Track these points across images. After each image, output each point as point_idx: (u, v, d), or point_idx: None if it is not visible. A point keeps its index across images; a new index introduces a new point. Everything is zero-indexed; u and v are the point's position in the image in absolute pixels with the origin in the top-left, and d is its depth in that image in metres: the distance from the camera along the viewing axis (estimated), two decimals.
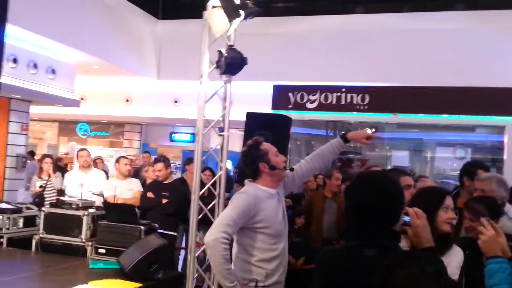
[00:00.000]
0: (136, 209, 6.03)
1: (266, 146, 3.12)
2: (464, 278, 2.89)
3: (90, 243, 4.60)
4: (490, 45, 8.83)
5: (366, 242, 1.94)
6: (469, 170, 4.24)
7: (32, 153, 11.55)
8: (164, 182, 6.08)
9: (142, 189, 6.36)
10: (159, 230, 5.37)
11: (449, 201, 2.68)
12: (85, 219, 4.65)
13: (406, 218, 2.13)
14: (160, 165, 6.03)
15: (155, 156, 9.36)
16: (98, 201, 5.99)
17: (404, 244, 2.24)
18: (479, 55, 8.80)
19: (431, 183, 4.38)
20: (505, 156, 9.08)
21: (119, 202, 5.86)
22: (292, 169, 3.26)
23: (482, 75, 8.67)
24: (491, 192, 3.55)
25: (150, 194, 6.01)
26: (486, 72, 8.67)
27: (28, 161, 10.41)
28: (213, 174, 5.97)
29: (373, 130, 3.52)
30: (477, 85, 8.84)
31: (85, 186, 6.28)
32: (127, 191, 6.24)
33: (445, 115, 9.44)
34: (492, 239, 2.27)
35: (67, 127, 15.47)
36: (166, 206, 5.87)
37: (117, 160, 6.58)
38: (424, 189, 3.31)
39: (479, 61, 8.76)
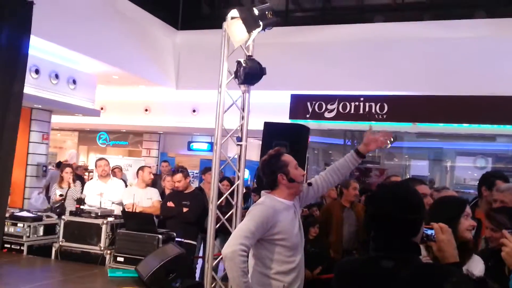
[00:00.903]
0: (155, 218, 6.09)
1: (287, 157, 3.12)
2: None
3: (108, 252, 4.64)
4: (509, 53, 8.72)
5: (385, 253, 1.92)
6: (487, 180, 4.18)
7: (59, 165, 11.72)
8: (185, 191, 6.12)
9: (160, 199, 6.40)
10: (178, 239, 5.40)
11: (468, 209, 2.69)
12: (104, 227, 4.69)
13: (430, 232, 2.11)
14: (179, 176, 6.07)
15: (174, 166, 9.42)
16: (117, 210, 6.04)
17: (424, 254, 2.23)
18: (499, 64, 8.69)
19: (453, 194, 4.35)
20: None
21: (138, 210, 5.92)
22: (310, 184, 3.26)
23: (503, 84, 8.56)
24: (511, 203, 3.51)
25: (170, 204, 6.05)
26: (507, 81, 8.55)
27: (52, 169, 10.55)
28: (231, 184, 5.99)
29: (392, 139, 3.51)
30: (498, 94, 8.72)
31: (105, 195, 6.33)
32: (146, 199, 6.29)
33: (465, 124, 9.32)
34: None
35: (86, 136, 15.67)
36: (187, 215, 5.91)
37: (141, 168, 6.64)
38: (444, 197, 3.30)
39: (500, 70, 8.65)
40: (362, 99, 9.78)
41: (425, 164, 11.17)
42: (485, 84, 8.64)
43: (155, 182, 8.39)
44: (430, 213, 2.72)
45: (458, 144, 10.80)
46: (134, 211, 5.79)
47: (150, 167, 7.19)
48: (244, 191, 8.13)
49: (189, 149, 14.75)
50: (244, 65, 4.39)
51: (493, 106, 8.88)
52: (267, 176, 3.12)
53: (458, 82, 8.78)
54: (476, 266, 2.61)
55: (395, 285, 1.77)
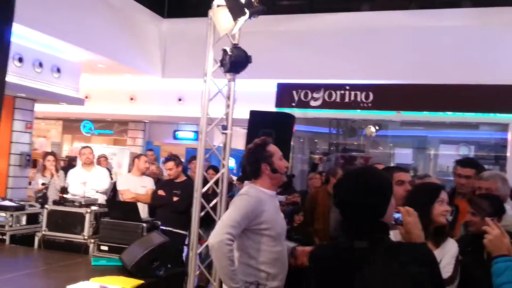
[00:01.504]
0: (146, 207, 6.11)
1: (272, 148, 3.13)
2: (465, 275, 2.92)
3: (92, 240, 4.62)
4: (494, 42, 8.78)
5: (357, 235, 1.98)
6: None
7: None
8: (176, 180, 6.12)
9: (155, 187, 6.41)
10: (168, 228, 5.40)
11: (444, 195, 2.77)
12: (87, 216, 4.67)
13: (397, 215, 2.19)
14: (171, 164, 6.08)
15: (165, 155, 9.40)
16: (101, 199, 6.02)
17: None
18: (483, 53, 8.76)
19: (435, 181, 4.42)
20: (508, 154, 9.04)
21: (130, 196, 5.95)
22: (293, 176, 3.30)
23: (487, 73, 8.63)
24: (497, 190, 3.57)
25: (161, 192, 6.06)
26: (490, 70, 8.63)
27: None
28: (217, 173, 6.01)
29: (377, 128, 3.56)
30: (481, 83, 8.80)
31: (88, 184, 6.31)
32: (141, 187, 6.30)
33: (449, 113, 9.41)
34: (498, 238, 2.29)
35: (71, 125, 15.52)
36: (177, 204, 5.91)
37: (138, 157, 6.69)
38: (420, 184, 3.39)
39: (484, 59, 8.71)
40: (347, 87, 9.81)
41: (409, 152, 11.26)
42: (468, 73, 8.70)
43: None
44: (406, 198, 2.80)
45: (441, 133, 10.90)
46: (124, 197, 5.83)
47: (146, 155, 7.18)
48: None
49: (175, 138, 14.69)
50: (230, 53, 4.38)
51: (476, 94, 8.96)
52: (251, 165, 3.13)
53: (442, 70, 8.83)
54: (450, 249, 2.68)
55: (369, 264, 1.82)
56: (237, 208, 2.93)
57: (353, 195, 2.01)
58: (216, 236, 2.81)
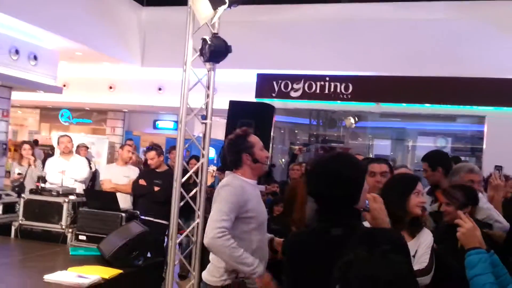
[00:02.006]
0: (130, 197, 6.10)
1: (253, 138, 3.16)
2: (439, 264, 2.98)
3: (70, 230, 4.58)
4: (471, 36, 8.90)
5: (332, 222, 2.01)
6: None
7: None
8: (157, 170, 6.10)
9: None
10: (149, 218, 5.38)
11: (420, 186, 2.83)
12: (65, 205, 4.62)
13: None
14: (152, 154, 6.06)
15: (145, 145, 9.35)
16: (80, 188, 5.97)
17: None
18: (460, 46, 8.87)
19: (406, 172, 4.52)
20: (484, 146, 9.20)
21: (111, 186, 5.92)
22: (273, 165, 3.36)
23: (464, 66, 8.75)
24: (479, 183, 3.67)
25: (142, 182, 6.04)
26: (467, 63, 8.75)
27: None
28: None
29: (356, 119, 3.60)
30: (458, 75, 8.93)
31: (67, 173, 6.25)
32: (123, 177, 6.27)
33: (427, 105, 9.52)
34: (471, 231, 2.33)
35: (49, 113, 15.29)
36: (158, 194, 5.89)
37: (122, 147, 6.67)
38: (397, 175, 3.46)
39: (461, 52, 8.83)
40: (327, 78, 9.86)
41: (388, 143, 11.39)
42: (446, 66, 8.82)
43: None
44: (383, 189, 2.85)
45: (419, 124, 11.04)
46: (104, 186, 5.81)
47: (130, 145, 7.14)
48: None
49: (155, 127, 14.60)
50: (209, 42, 4.36)
51: (453, 87, 9.09)
52: (232, 154, 3.15)
53: (420, 63, 8.93)
54: (426, 239, 2.73)
55: (343, 250, 1.85)
56: (223, 200, 2.94)
57: (326, 184, 2.03)
58: (208, 235, 2.83)
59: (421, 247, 2.67)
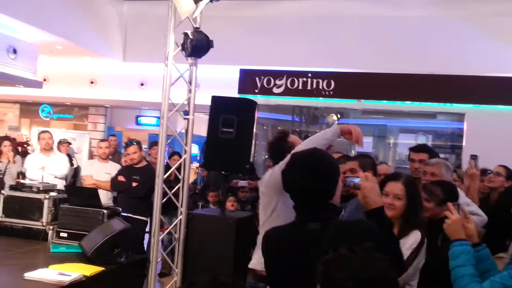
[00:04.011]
0: (111, 193, 6.06)
1: (292, 138, 3.30)
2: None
3: (51, 227, 4.53)
4: (452, 33, 8.99)
5: (309, 217, 2.04)
6: None
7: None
8: (136, 166, 6.07)
9: None
10: (128, 214, 5.36)
11: (388, 187, 2.85)
12: (46, 202, 4.57)
13: (356, 180, 2.25)
14: (134, 148, 6.05)
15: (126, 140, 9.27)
16: (61, 185, 5.91)
17: None
18: (441, 43, 8.96)
19: (386, 168, 4.59)
20: (464, 143, 9.33)
21: (91, 182, 5.88)
22: (251, 164, 3.51)
23: (445, 63, 8.85)
24: (441, 176, 3.73)
25: (121, 178, 6.00)
26: (448, 60, 8.85)
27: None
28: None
29: (339, 116, 3.63)
30: (439, 73, 9.03)
31: (47, 169, 6.18)
32: (104, 174, 6.22)
33: (407, 102, 9.62)
34: (456, 223, 2.36)
35: (29, 109, 15.07)
36: (136, 190, 5.87)
37: (97, 143, 6.60)
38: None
39: (442, 49, 8.91)
40: (310, 75, 9.88)
41: (370, 140, 11.45)
42: (427, 63, 8.91)
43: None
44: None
45: (401, 122, 11.13)
46: (85, 183, 5.76)
47: (107, 140, 7.09)
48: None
49: (137, 123, 14.51)
50: (191, 37, 4.35)
51: (434, 84, 9.19)
52: (276, 157, 3.39)
53: (403, 60, 9.00)
54: (409, 240, 2.75)
55: (321, 245, 1.87)
56: None
57: (302, 181, 2.05)
58: None
59: (404, 248, 2.69)
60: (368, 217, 2.14)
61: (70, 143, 8.98)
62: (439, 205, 3.12)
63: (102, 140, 6.89)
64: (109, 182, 6.10)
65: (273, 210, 3.34)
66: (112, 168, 6.35)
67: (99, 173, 6.20)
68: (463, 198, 3.59)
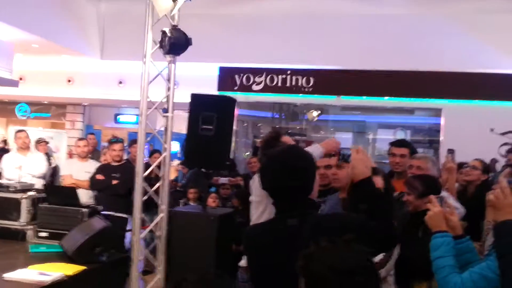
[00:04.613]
0: (91, 192, 6.02)
1: (285, 139, 3.42)
2: (400, 252, 3.08)
3: (30, 227, 4.48)
4: (430, 30, 9.10)
5: (288, 213, 2.06)
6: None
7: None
8: (114, 164, 6.04)
9: None
10: (108, 212, 5.32)
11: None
12: (23, 202, 4.51)
13: (348, 153, 2.26)
14: (120, 146, 6.07)
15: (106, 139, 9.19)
16: (39, 184, 5.85)
17: None
18: (419, 40, 9.07)
19: None
20: (441, 138, 9.47)
21: (71, 181, 5.83)
22: (232, 159, 3.53)
23: (422, 59, 8.96)
24: (427, 169, 3.79)
25: (99, 176, 5.96)
26: (425, 56, 8.96)
27: None
28: None
29: (319, 112, 3.68)
30: (416, 69, 9.14)
31: (24, 169, 6.11)
32: (84, 173, 6.17)
33: (386, 98, 9.72)
34: (438, 215, 2.40)
35: (5, 108, 14.80)
36: (116, 187, 5.84)
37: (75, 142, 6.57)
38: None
39: (419, 45, 9.02)
40: (289, 72, 9.92)
41: (350, 136, 11.55)
42: (405, 59, 9.01)
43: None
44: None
45: (379, 117, 11.24)
46: (65, 182, 5.71)
47: (85, 139, 7.04)
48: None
49: (116, 121, 14.35)
50: (169, 34, 4.35)
51: (411, 80, 9.31)
52: None
53: (381, 57, 9.09)
54: None
55: (300, 240, 1.90)
56: None
57: (280, 179, 2.06)
58: None
59: None
60: (356, 189, 2.14)
61: (47, 142, 8.88)
62: (419, 197, 3.18)
63: (80, 139, 6.84)
64: (87, 181, 6.06)
65: (265, 209, 3.33)
66: (92, 167, 6.31)
67: (79, 172, 6.16)
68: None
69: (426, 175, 3.58)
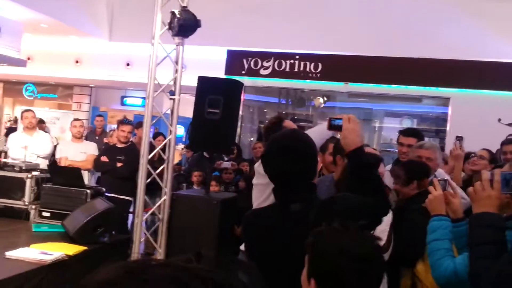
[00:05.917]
0: (88, 173, 6.02)
1: (288, 123, 3.36)
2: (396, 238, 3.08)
3: (34, 207, 4.49)
4: (439, 17, 8.98)
5: (291, 198, 2.03)
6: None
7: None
8: (119, 146, 6.04)
9: (97, 153, 6.29)
10: (112, 194, 5.34)
11: (382, 168, 2.92)
12: (28, 181, 4.53)
13: (338, 122, 2.19)
14: (130, 127, 6.08)
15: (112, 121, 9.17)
16: (43, 164, 5.86)
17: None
18: (428, 27, 8.95)
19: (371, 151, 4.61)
20: (448, 127, 9.39)
21: (66, 163, 5.81)
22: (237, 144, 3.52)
23: (431, 47, 8.84)
24: (436, 159, 3.76)
25: (104, 158, 5.97)
26: (434, 44, 8.85)
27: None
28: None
29: (325, 99, 3.63)
30: (425, 57, 9.03)
31: (30, 148, 6.12)
32: (80, 153, 6.17)
33: (394, 86, 9.63)
34: (438, 199, 2.39)
35: (12, 88, 14.85)
36: (121, 169, 5.84)
37: (71, 123, 6.55)
38: None
39: (428, 33, 8.91)
40: (297, 57, 9.84)
41: None
42: (414, 46, 8.90)
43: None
44: (344, 169, 2.92)
45: (386, 105, 11.15)
46: (61, 164, 5.68)
47: (80, 120, 7.02)
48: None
49: (123, 104, 14.37)
50: (178, 16, 4.31)
51: (420, 68, 9.20)
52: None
53: (389, 43, 8.98)
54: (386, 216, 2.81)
55: (304, 224, 1.88)
56: None
57: (284, 165, 2.03)
58: None
59: (381, 224, 2.73)
60: (349, 159, 2.10)
61: (44, 122, 8.92)
62: (405, 185, 3.23)
63: (76, 119, 6.84)
64: (86, 161, 6.08)
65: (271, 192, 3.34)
66: (88, 147, 6.31)
67: (75, 153, 6.16)
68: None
69: (410, 161, 3.62)
